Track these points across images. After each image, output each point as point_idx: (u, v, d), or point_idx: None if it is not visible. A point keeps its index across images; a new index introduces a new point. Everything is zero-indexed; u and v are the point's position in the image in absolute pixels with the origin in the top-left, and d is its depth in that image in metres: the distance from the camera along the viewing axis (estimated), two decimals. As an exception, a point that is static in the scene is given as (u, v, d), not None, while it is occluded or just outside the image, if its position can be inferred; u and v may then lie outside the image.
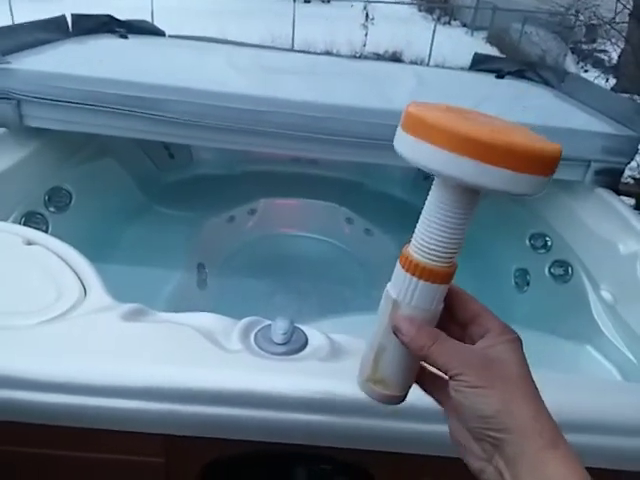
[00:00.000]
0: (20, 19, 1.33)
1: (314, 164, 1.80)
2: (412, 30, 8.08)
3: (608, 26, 4.78)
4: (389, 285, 0.38)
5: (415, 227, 0.37)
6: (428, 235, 0.36)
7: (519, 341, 0.35)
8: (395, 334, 0.37)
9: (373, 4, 7.98)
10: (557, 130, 1.11)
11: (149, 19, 1.97)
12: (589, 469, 0.54)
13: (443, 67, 3.07)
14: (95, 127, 1.08)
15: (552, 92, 1.47)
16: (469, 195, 0.34)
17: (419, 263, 0.36)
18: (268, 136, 1.08)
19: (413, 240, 0.37)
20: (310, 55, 1.93)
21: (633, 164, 2.50)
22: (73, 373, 0.53)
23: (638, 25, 3.79)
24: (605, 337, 0.94)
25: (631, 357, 0.88)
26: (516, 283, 1.29)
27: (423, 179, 1.58)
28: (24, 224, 1.07)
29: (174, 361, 0.56)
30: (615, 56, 5.51)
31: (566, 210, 1.18)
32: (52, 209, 1.17)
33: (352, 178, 1.81)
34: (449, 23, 10.60)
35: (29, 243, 0.74)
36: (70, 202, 1.22)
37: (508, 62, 1.69)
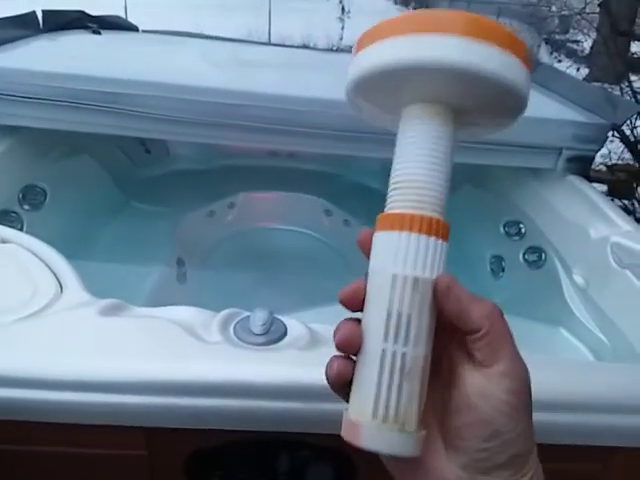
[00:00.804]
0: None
1: (292, 157, 1.80)
2: (388, 23, 8.09)
3: (579, 16, 4.85)
4: (392, 267, 0.29)
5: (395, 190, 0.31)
6: (437, 182, 0.30)
7: None
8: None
9: (349, -3, 7.97)
10: (528, 119, 1.12)
11: (122, 14, 1.95)
12: (566, 447, 0.56)
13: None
14: (69, 124, 1.07)
15: (524, 82, 1.49)
16: (451, 121, 0.30)
17: (433, 218, 0.29)
18: (245, 130, 1.08)
19: (405, 195, 0.30)
20: (287, 48, 1.93)
21: (605, 151, 2.56)
22: (50, 369, 0.53)
23: (607, 16, 3.86)
24: (577, 319, 0.97)
25: (603, 338, 0.91)
26: (492, 270, 1.31)
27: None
28: (-2, 223, 1.05)
29: (154, 354, 0.56)
30: (587, 46, 5.60)
31: (539, 197, 1.20)
32: (27, 207, 1.16)
33: (330, 170, 1.82)
34: (425, 15, 10.64)
35: (3, 241, 0.73)
36: (45, 200, 1.21)
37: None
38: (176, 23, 2.33)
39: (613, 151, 2.66)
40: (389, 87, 0.31)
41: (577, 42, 6.87)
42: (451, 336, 0.31)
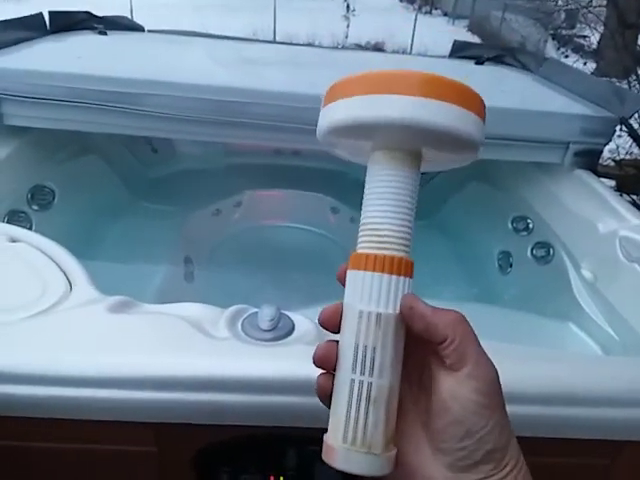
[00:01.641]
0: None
1: (298, 155, 1.81)
2: (394, 21, 8.09)
3: (586, 10, 4.81)
4: (358, 304, 0.32)
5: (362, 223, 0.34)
6: (397, 223, 0.33)
7: None
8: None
9: (354, -5, 7.95)
10: (536, 113, 1.13)
11: (128, 15, 1.96)
12: (574, 440, 0.56)
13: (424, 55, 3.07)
14: (76, 124, 1.08)
15: (531, 76, 1.48)
16: (415, 162, 0.34)
17: (394, 257, 0.32)
18: (251, 127, 1.08)
19: (369, 237, 0.33)
20: (292, 46, 1.93)
21: (612, 146, 2.55)
22: (60, 365, 0.54)
23: (615, 8, 3.83)
24: (586, 314, 0.96)
25: (612, 332, 0.91)
26: (500, 265, 1.31)
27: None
28: (7, 223, 1.06)
29: (162, 351, 0.57)
30: (594, 41, 5.55)
31: (546, 192, 1.20)
32: (35, 207, 1.17)
33: (336, 168, 1.82)
34: (430, 12, 10.64)
35: (13, 240, 0.73)
36: (53, 200, 1.22)
37: (487, 48, 1.71)
38: (182, 23, 2.33)
39: (621, 146, 2.64)
40: (355, 137, 0.36)
41: (584, 37, 6.80)
42: (427, 348, 0.34)
